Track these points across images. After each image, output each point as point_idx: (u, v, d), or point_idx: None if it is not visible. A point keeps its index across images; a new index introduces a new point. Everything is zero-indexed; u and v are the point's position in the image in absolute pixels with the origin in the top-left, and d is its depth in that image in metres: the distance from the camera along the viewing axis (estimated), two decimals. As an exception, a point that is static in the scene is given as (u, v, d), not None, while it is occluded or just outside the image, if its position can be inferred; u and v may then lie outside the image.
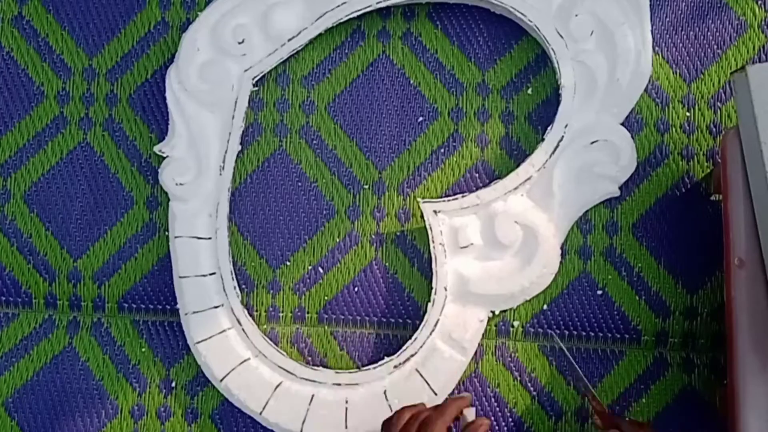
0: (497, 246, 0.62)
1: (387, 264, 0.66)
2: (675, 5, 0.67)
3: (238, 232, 0.66)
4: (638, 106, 0.65)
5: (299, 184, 0.67)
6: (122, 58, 0.68)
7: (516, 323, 0.64)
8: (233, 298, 0.63)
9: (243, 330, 0.63)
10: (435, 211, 0.63)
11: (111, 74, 0.68)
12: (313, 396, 0.61)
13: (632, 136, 0.65)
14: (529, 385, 0.64)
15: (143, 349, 0.66)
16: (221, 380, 0.62)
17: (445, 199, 0.63)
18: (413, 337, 0.62)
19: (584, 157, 0.62)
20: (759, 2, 0.66)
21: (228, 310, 0.63)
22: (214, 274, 0.63)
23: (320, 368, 0.63)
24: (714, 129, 0.65)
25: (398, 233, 0.66)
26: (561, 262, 0.63)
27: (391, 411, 0.59)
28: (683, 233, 0.65)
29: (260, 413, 0.61)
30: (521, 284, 0.62)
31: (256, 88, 0.66)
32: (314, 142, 0.67)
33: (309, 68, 0.68)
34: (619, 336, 0.64)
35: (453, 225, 0.63)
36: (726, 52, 0.66)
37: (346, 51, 0.68)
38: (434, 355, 0.62)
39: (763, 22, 0.66)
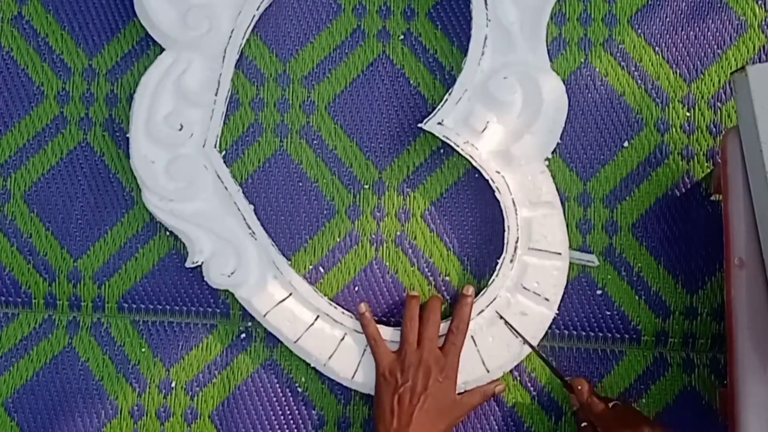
0: (507, 106, 0.63)
1: (387, 264, 0.66)
2: (675, 5, 0.67)
3: (238, 232, 0.66)
4: (638, 105, 0.66)
5: (300, 184, 0.67)
6: (122, 58, 0.68)
7: (516, 323, 0.64)
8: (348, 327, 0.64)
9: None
10: (438, 123, 0.63)
11: (111, 74, 0.68)
12: None
13: (632, 136, 0.65)
14: (529, 385, 0.64)
15: (143, 349, 0.66)
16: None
17: (436, 109, 0.64)
18: (506, 227, 0.62)
19: None
20: (759, 2, 0.66)
21: (354, 333, 0.64)
22: (318, 317, 0.63)
23: None
24: (714, 129, 0.65)
25: (398, 233, 0.66)
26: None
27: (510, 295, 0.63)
28: (683, 233, 0.65)
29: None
30: (549, 116, 0.62)
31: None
32: (315, 142, 0.67)
33: (309, 68, 0.68)
34: (619, 336, 0.64)
35: (460, 120, 0.63)
36: (726, 52, 0.66)
37: (346, 51, 0.68)
38: (533, 223, 0.62)
39: (763, 22, 0.66)
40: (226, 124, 0.67)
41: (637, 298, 0.64)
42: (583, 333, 0.64)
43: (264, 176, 0.67)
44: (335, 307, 0.64)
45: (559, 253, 0.62)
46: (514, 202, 0.62)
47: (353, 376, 0.62)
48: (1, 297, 0.67)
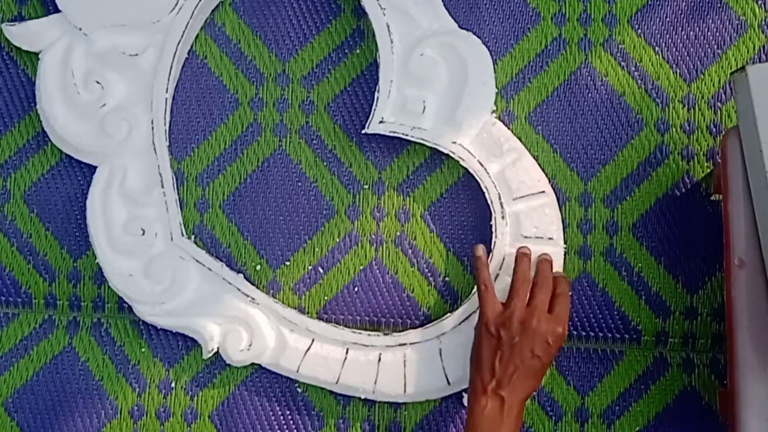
0: (434, 79, 0.63)
1: (387, 264, 0.66)
2: (675, 5, 0.67)
3: (239, 232, 0.66)
4: (638, 105, 0.66)
5: (299, 184, 0.67)
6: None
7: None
8: None
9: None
10: (380, 122, 0.63)
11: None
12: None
13: (632, 136, 0.65)
14: (529, 385, 0.64)
15: (143, 349, 0.66)
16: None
17: (372, 111, 0.64)
18: (484, 189, 0.63)
19: None
20: (759, 2, 0.66)
21: (387, 350, 0.64)
22: (348, 349, 0.63)
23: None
24: (714, 129, 0.65)
25: (398, 233, 0.66)
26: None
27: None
28: (683, 233, 0.65)
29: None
30: (477, 71, 0.63)
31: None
32: (314, 142, 0.67)
33: (309, 68, 0.68)
34: (619, 336, 0.64)
35: (398, 110, 0.63)
36: (726, 52, 0.66)
37: (346, 51, 0.68)
38: (506, 172, 0.63)
39: (763, 22, 0.66)
40: (225, 123, 0.67)
41: (637, 298, 0.64)
42: (583, 333, 0.64)
43: (263, 176, 0.67)
44: (360, 333, 0.63)
45: (543, 191, 0.63)
46: (481, 163, 0.63)
47: (404, 391, 0.62)
48: (1, 297, 0.67)
